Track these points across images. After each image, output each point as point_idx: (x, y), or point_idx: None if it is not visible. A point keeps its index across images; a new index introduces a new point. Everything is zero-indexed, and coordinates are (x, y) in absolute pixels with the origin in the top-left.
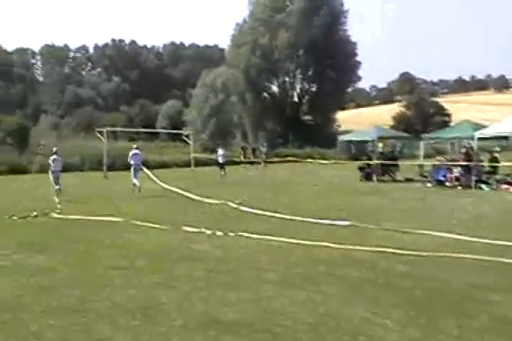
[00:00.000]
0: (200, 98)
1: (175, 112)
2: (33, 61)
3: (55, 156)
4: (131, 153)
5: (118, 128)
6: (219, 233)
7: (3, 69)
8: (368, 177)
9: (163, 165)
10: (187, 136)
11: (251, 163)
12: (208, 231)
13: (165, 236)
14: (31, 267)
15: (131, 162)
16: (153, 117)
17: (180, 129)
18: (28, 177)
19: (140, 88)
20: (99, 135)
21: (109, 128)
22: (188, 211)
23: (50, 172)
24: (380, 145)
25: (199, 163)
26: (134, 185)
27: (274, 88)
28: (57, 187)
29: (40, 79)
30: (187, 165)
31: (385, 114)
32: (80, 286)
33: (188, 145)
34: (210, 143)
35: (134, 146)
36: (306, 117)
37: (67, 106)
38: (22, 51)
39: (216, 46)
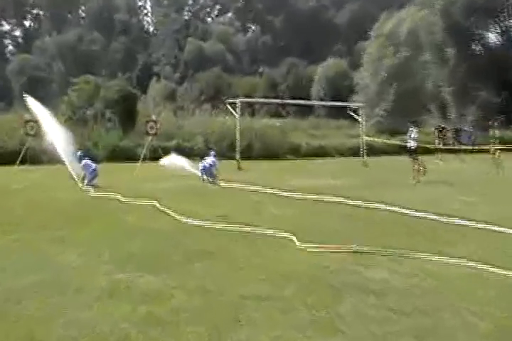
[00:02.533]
0: (374, 55)
1: (337, 76)
2: (141, 3)
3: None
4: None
5: (256, 99)
6: (400, 253)
7: (101, 16)
8: None
9: (320, 153)
10: (355, 111)
11: (451, 151)
12: (384, 251)
13: (319, 254)
14: (140, 291)
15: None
16: (305, 83)
17: (346, 101)
18: (138, 166)
19: (288, 41)
20: (230, 108)
21: (244, 99)
22: (347, 220)
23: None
24: None
25: (373, 150)
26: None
27: (492, 38)
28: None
29: (150, 29)
30: (355, 153)
31: None
32: (205, 321)
33: (357, 124)
34: (389, 120)
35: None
36: None
37: (187, 68)
38: None
39: None
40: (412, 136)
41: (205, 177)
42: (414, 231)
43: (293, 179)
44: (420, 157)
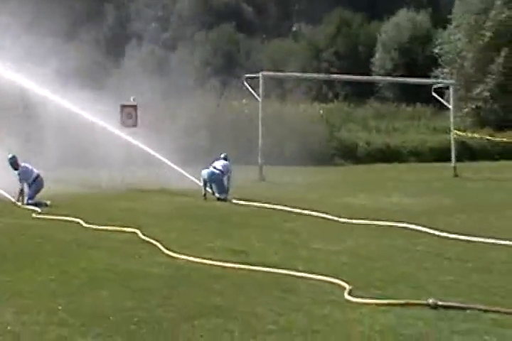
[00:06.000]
0: (473, 4)
1: (413, 38)
2: None
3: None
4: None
5: (288, 74)
6: None
7: None
8: None
9: (386, 156)
10: (440, 93)
11: None
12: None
13: (384, 311)
14: None
15: None
16: (364, 48)
17: (425, 76)
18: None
19: None
20: (248, 87)
21: (271, 73)
22: (429, 260)
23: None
24: None
25: (468, 152)
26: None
27: None
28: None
29: None
30: (440, 156)
31: None
32: None
33: (444, 113)
34: (495, 107)
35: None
36: None
37: (182, 25)
38: None
39: None
40: None
41: (209, 190)
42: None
43: (344, 196)
44: None
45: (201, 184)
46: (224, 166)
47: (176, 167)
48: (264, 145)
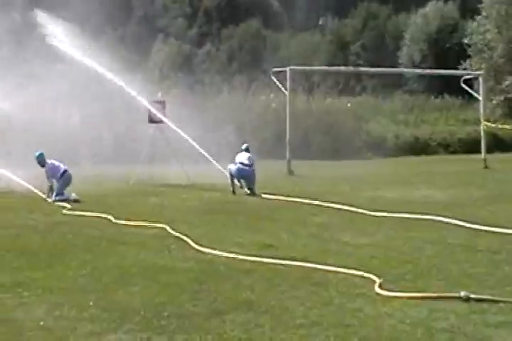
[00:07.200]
0: None
1: (441, 29)
2: None
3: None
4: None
5: (315, 67)
6: None
7: None
8: None
9: (415, 148)
10: (470, 84)
11: None
12: None
13: (416, 305)
14: None
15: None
16: (391, 41)
17: (454, 68)
18: (135, 172)
19: None
20: (276, 81)
21: (298, 67)
22: (458, 252)
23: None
24: None
25: (499, 143)
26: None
27: None
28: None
29: None
30: (470, 148)
31: None
32: None
33: (474, 104)
34: None
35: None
36: None
37: (209, 21)
38: None
39: None
40: None
41: (238, 183)
42: None
43: (373, 189)
44: None
45: (229, 179)
46: (249, 159)
47: (213, 161)
48: (291, 140)
